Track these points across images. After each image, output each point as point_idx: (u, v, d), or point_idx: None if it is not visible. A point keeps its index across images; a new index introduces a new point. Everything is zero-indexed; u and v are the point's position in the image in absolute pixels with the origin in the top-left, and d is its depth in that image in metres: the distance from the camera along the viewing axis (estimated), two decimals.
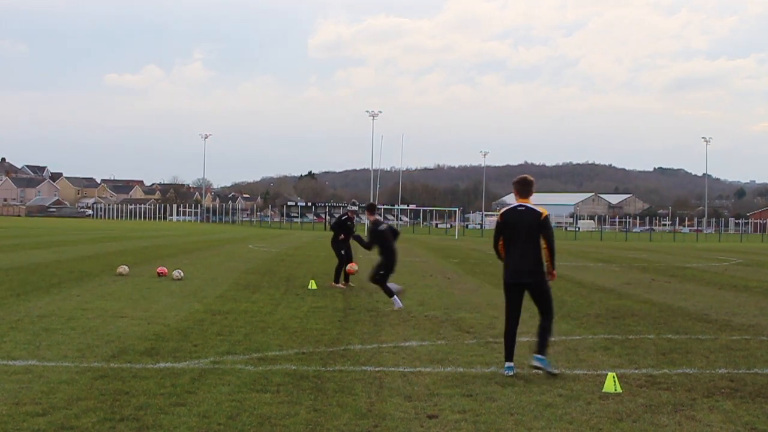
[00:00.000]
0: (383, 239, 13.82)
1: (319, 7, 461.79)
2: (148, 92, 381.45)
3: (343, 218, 17.85)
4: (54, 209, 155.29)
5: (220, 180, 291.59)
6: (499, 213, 8.58)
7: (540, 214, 8.38)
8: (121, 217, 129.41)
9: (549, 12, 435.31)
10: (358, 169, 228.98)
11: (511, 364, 8.22)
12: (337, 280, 16.95)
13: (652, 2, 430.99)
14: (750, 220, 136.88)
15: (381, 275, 13.51)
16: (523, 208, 8.43)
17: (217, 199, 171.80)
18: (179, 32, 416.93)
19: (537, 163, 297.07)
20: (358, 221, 18.22)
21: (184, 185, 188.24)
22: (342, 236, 17.23)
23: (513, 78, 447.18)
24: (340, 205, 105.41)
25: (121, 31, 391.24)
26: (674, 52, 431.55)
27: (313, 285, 16.58)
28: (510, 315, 8.54)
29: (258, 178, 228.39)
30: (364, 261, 21.94)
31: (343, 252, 17.04)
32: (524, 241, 8.36)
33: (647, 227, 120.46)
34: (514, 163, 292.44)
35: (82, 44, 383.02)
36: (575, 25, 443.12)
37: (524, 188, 8.54)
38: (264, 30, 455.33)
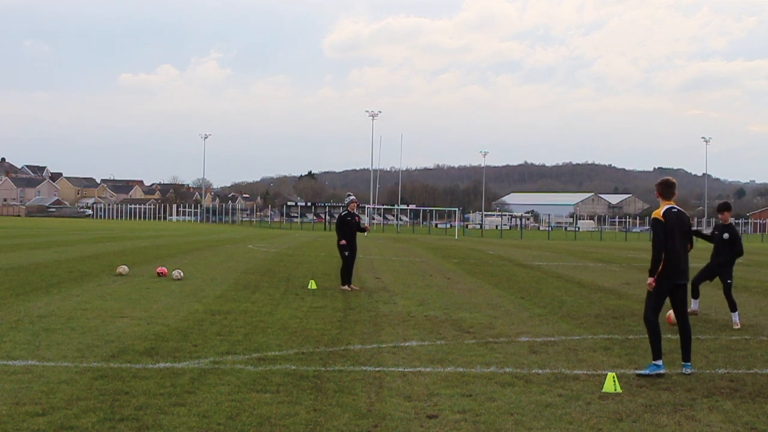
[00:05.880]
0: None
1: (343, 4, 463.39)
2: (158, 93, 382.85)
3: (343, 214, 16.87)
4: (54, 209, 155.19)
5: (220, 180, 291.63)
6: (660, 216, 8.49)
7: (688, 216, 8.68)
8: (121, 217, 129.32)
9: (569, 12, 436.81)
10: (358, 169, 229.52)
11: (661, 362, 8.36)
12: (344, 283, 16.41)
13: (673, 3, 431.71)
14: (750, 220, 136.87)
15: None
16: (676, 209, 8.59)
17: (217, 199, 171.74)
18: (198, 32, 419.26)
19: (537, 163, 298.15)
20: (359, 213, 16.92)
21: (183, 185, 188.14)
22: (343, 241, 16.40)
23: (528, 78, 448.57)
24: (340, 205, 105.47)
25: (137, 31, 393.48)
26: (691, 53, 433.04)
27: (312, 285, 16.57)
28: (657, 314, 8.49)
29: (258, 178, 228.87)
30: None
31: (347, 253, 16.37)
32: (681, 243, 8.52)
33: (647, 227, 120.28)
34: (514, 163, 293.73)
35: (100, 45, 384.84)
36: (594, 25, 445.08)
37: (669, 190, 8.68)
38: (282, 29, 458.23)
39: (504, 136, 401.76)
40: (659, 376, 8.17)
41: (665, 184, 8.74)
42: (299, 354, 8.98)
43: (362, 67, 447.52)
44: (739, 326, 12.11)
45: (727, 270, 12.50)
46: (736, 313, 12.27)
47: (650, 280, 8.51)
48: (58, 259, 23.39)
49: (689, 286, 9.78)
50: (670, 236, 8.46)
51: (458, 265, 25.91)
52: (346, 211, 16.89)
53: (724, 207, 12.71)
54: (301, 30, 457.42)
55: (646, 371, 8.21)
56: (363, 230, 16.98)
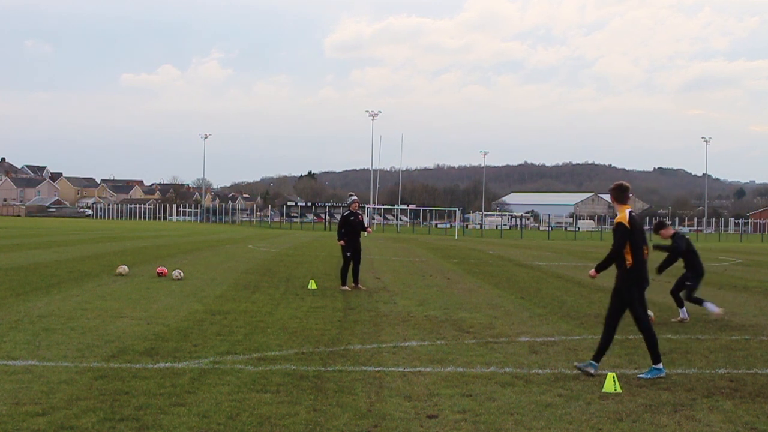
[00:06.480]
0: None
1: (345, 4, 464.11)
2: (159, 93, 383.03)
3: (345, 214, 16.98)
4: (54, 209, 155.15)
5: (220, 180, 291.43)
6: (626, 221, 8.34)
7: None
8: (121, 217, 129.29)
9: (570, 12, 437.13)
10: (358, 169, 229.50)
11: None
12: (344, 283, 16.51)
13: (674, 3, 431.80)
14: (750, 220, 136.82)
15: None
16: (634, 214, 8.50)
17: (217, 199, 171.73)
18: (199, 32, 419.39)
19: (537, 163, 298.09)
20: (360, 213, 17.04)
21: (183, 185, 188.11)
22: (342, 242, 16.53)
23: (530, 78, 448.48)
24: (340, 205, 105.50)
25: (138, 31, 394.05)
26: (693, 53, 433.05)
27: (312, 285, 16.57)
28: (648, 319, 8.48)
29: (258, 178, 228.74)
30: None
31: (348, 254, 16.48)
32: (643, 246, 8.47)
33: (647, 227, 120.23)
34: (514, 163, 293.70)
35: (101, 45, 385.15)
36: (595, 25, 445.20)
37: (624, 194, 8.57)
38: (284, 29, 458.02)
39: (504, 136, 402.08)
40: (659, 378, 8.18)
41: (620, 189, 8.59)
42: (299, 354, 8.98)
43: (364, 67, 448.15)
44: (687, 319, 12.54)
45: (693, 278, 12.81)
46: (683, 309, 12.65)
47: (592, 271, 8.62)
48: (58, 259, 23.40)
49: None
50: (635, 242, 8.35)
51: (458, 265, 25.91)
52: (348, 211, 16.96)
53: (659, 226, 12.99)
54: (303, 30, 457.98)
55: (649, 375, 8.19)
56: (364, 229, 17.00)
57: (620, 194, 8.58)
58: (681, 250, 12.75)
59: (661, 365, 8.26)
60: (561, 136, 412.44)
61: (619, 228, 8.36)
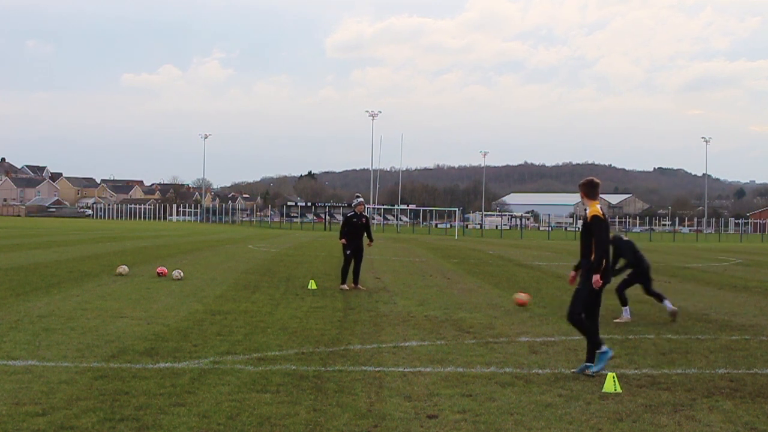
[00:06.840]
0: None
1: (346, 4, 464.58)
2: (159, 93, 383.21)
3: (349, 215, 17.04)
4: (54, 209, 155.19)
5: (220, 180, 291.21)
6: (601, 214, 8.30)
7: None
8: (121, 217, 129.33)
9: (571, 12, 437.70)
10: (358, 169, 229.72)
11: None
12: (343, 282, 16.53)
13: (676, 3, 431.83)
14: (750, 220, 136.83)
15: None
16: (603, 209, 8.46)
17: (217, 199, 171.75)
18: (200, 32, 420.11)
19: (537, 163, 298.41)
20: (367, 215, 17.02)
21: (183, 185, 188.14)
22: (343, 240, 16.57)
23: (531, 78, 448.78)
24: (340, 205, 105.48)
25: (140, 31, 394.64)
26: (693, 53, 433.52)
27: (312, 285, 16.56)
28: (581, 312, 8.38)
29: (258, 178, 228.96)
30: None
31: (348, 252, 16.51)
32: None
33: (647, 227, 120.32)
34: (514, 163, 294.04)
35: (102, 45, 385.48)
36: (596, 25, 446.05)
37: (594, 190, 8.52)
38: (285, 29, 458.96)
39: (504, 136, 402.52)
40: (611, 358, 8.20)
41: (590, 185, 8.53)
42: (299, 354, 8.98)
43: (364, 67, 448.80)
44: (630, 319, 12.64)
45: (634, 275, 13.15)
46: (627, 308, 12.84)
47: (596, 277, 8.13)
48: (58, 259, 23.40)
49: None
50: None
51: (458, 265, 25.91)
52: (352, 212, 17.03)
53: None
54: (304, 30, 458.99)
55: (600, 366, 8.10)
56: (369, 232, 16.91)
57: (591, 190, 8.52)
58: (623, 254, 12.94)
59: (605, 347, 8.20)
60: (561, 136, 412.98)
61: (596, 220, 8.28)
